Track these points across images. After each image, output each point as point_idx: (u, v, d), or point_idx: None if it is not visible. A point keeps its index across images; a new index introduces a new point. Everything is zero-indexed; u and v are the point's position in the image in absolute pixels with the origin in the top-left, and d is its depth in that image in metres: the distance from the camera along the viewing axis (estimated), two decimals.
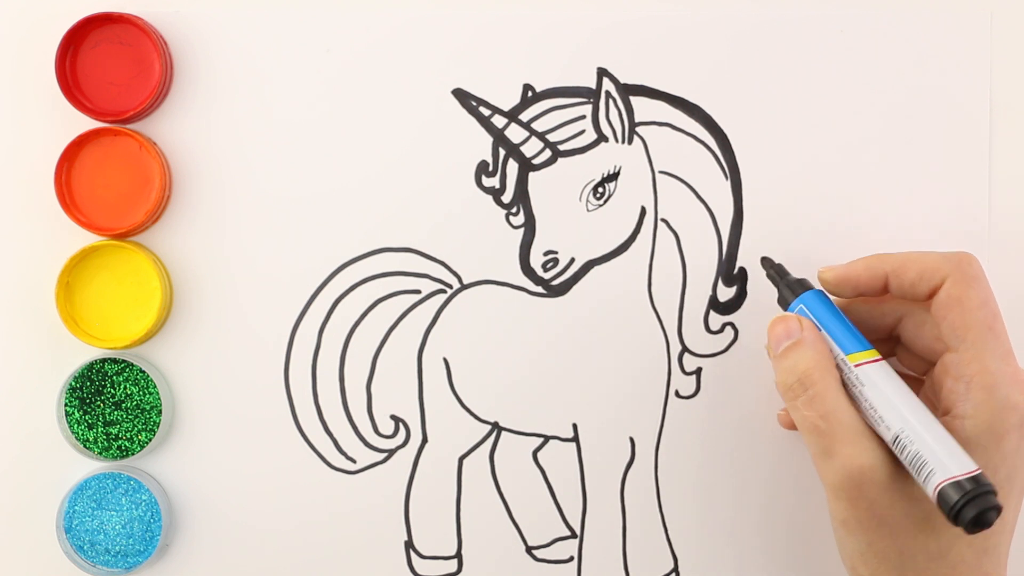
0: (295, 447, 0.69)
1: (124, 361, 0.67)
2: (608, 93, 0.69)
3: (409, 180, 0.69)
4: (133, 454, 0.68)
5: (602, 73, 0.69)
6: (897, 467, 0.58)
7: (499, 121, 0.69)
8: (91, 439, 0.68)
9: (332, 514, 0.69)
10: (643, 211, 0.69)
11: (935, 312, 0.60)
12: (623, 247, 0.69)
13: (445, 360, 0.69)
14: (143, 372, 0.67)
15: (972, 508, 0.54)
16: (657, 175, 0.69)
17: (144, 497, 0.67)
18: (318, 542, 0.69)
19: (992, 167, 0.69)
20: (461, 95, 0.69)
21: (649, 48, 0.69)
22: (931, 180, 0.69)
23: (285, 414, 0.69)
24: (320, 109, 0.69)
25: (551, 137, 0.69)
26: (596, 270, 0.69)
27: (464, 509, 0.69)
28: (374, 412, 0.69)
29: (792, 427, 0.66)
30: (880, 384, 0.59)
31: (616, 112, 0.69)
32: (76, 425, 0.68)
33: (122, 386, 0.68)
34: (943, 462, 0.55)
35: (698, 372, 0.69)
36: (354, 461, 0.69)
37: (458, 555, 0.69)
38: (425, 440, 0.69)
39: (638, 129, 0.69)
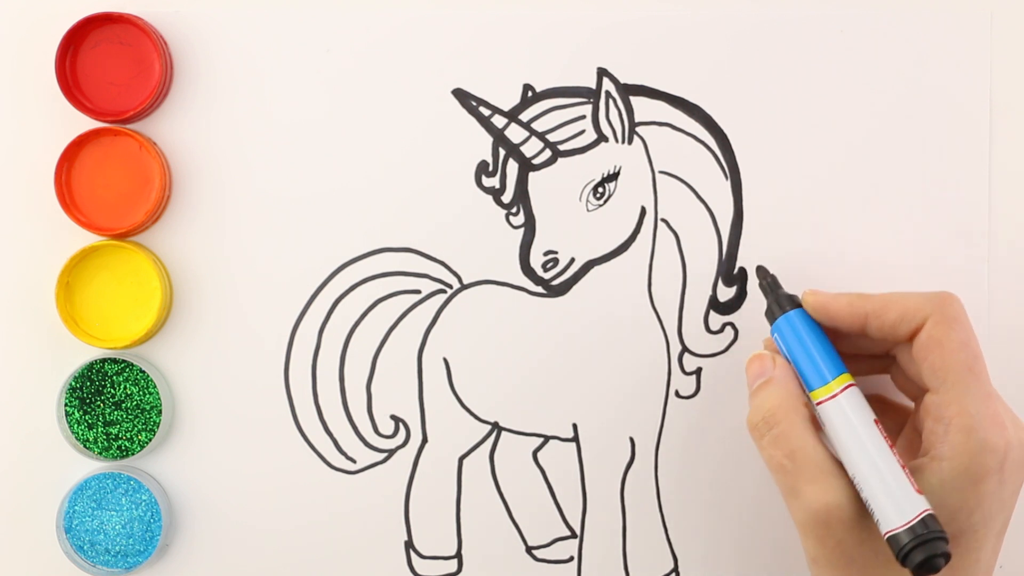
0: (295, 447, 0.69)
1: (124, 361, 0.67)
2: (608, 93, 0.69)
3: (409, 180, 0.69)
4: (133, 454, 0.68)
5: (602, 73, 0.69)
6: (865, 505, 0.57)
7: (499, 121, 0.69)
8: (91, 439, 0.68)
9: (332, 514, 0.69)
10: (643, 211, 0.69)
11: (916, 353, 0.59)
12: (623, 247, 0.69)
13: (445, 360, 0.69)
14: (143, 372, 0.67)
15: (920, 553, 0.54)
16: (657, 175, 0.69)
17: (144, 497, 0.67)
18: (318, 542, 0.69)
19: (992, 167, 0.69)
20: (461, 95, 0.69)
21: (649, 48, 0.69)
22: (931, 180, 0.69)
23: (285, 414, 0.69)
24: (320, 109, 0.69)
25: (551, 137, 0.69)
26: (596, 270, 0.69)
27: (464, 509, 0.69)
28: (374, 412, 0.69)
29: None
30: (838, 422, 0.59)
31: (616, 112, 0.69)
32: (76, 425, 0.68)
33: (122, 386, 0.68)
34: (897, 504, 0.55)
35: (698, 372, 0.69)
36: (354, 461, 0.69)
37: (458, 555, 0.69)
38: (425, 440, 0.69)
39: (638, 129, 0.69)
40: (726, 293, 0.69)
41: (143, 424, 0.68)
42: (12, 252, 0.69)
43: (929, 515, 0.55)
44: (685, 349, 0.69)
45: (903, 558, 0.54)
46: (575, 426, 0.69)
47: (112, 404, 0.68)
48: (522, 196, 0.69)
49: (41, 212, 0.68)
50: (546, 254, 0.69)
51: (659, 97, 0.69)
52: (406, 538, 0.69)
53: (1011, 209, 0.69)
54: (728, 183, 0.69)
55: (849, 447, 0.58)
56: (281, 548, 0.69)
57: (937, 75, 0.69)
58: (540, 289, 0.69)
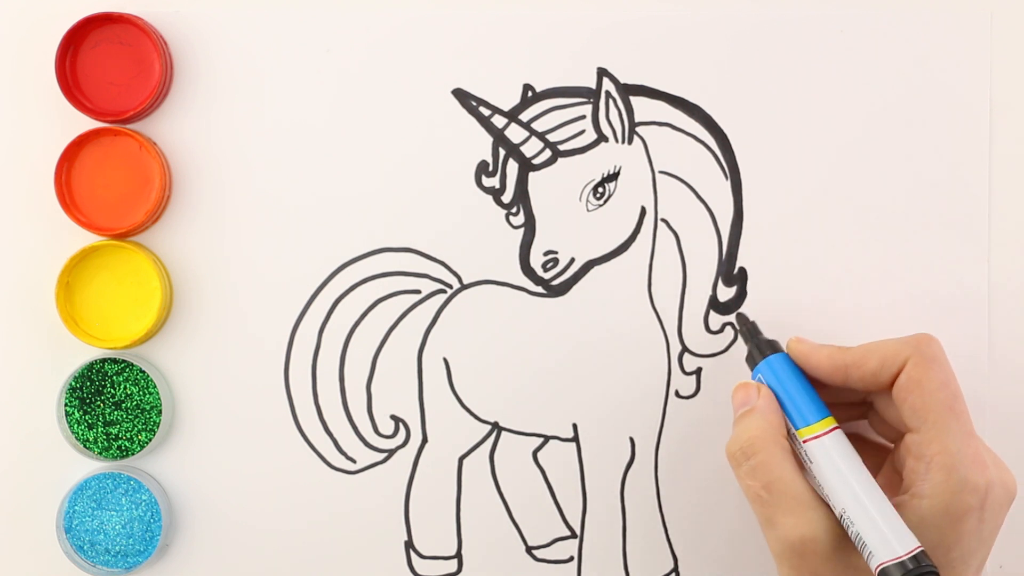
0: (295, 447, 0.69)
1: (124, 361, 0.67)
2: (608, 93, 0.69)
3: (409, 180, 0.69)
4: (133, 454, 0.68)
5: (602, 73, 0.69)
6: (843, 538, 0.58)
7: (499, 121, 0.69)
8: (91, 439, 0.68)
9: (332, 514, 0.69)
10: (643, 211, 0.69)
11: (896, 395, 0.60)
12: (623, 247, 0.69)
13: (445, 360, 0.69)
14: (143, 372, 0.67)
15: None
16: (657, 175, 0.69)
17: (144, 497, 0.67)
18: (318, 542, 0.69)
19: (992, 167, 0.69)
20: (461, 95, 0.69)
21: (649, 48, 0.69)
22: (931, 180, 0.69)
23: (285, 414, 0.69)
24: (320, 109, 0.69)
25: (551, 137, 0.69)
26: (596, 270, 0.69)
27: (464, 509, 0.69)
28: (374, 412, 0.69)
29: None
30: (826, 461, 0.59)
31: (616, 112, 0.69)
32: (76, 425, 0.68)
33: (122, 386, 0.68)
34: (886, 540, 0.56)
35: (698, 372, 0.69)
36: (354, 461, 0.69)
37: (458, 555, 0.69)
38: (425, 440, 0.69)
39: (638, 129, 0.69)
40: (726, 293, 0.69)
41: (143, 424, 0.68)
42: (12, 252, 0.69)
43: (921, 551, 0.56)
44: (685, 349, 0.69)
45: None
46: (575, 426, 0.69)
47: (112, 404, 0.68)
48: (522, 196, 0.69)
49: (41, 212, 0.68)
50: (546, 254, 0.69)
51: (659, 97, 0.69)
52: (406, 538, 0.69)
53: (1011, 209, 0.69)
54: (728, 183, 0.69)
55: (839, 483, 0.58)
56: (281, 548, 0.69)
57: (937, 75, 0.69)
58: (540, 289, 0.69)
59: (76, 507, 0.67)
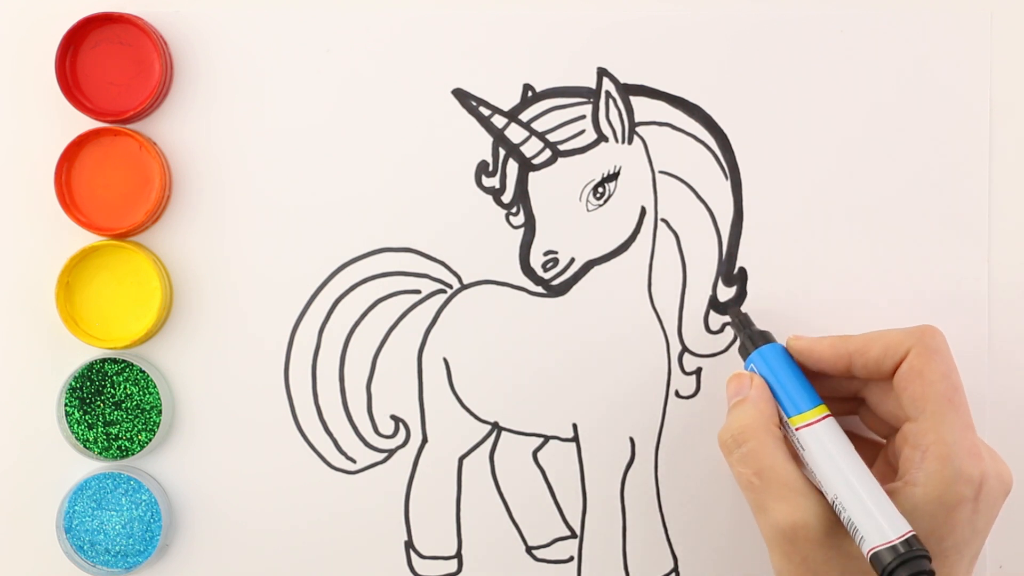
0: (295, 447, 0.69)
1: (124, 361, 0.67)
2: (608, 93, 0.69)
3: (409, 180, 0.69)
4: (133, 454, 0.68)
5: (602, 73, 0.69)
6: (835, 524, 0.58)
7: (499, 121, 0.69)
8: (91, 439, 0.68)
9: (332, 514, 0.69)
10: (643, 211, 0.69)
11: (897, 384, 0.60)
12: (623, 247, 0.69)
13: (445, 360, 0.69)
14: (143, 372, 0.67)
15: (904, 571, 0.55)
16: (657, 175, 0.69)
17: (144, 497, 0.67)
18: (318, 542, 0.69)
19: (992, 167, 0.69)
20: (461, 95, 0.69)
21: (649, 48, 0.69)
22: (931, 180, 0.69)
23: (285, 414, 0.69)
24: (320, 109, 0.69)
25: (551, 137, 0.69)
26: (596, 270, 0.69)
27: (464, 509, 0.69)
28: (374, 412, 0.69)
29: None
30: (818, 448, 0.60)
31: (616, 112, 0.69)
32: (76, 425, 0.68)
33: (122, 386, 0.68)
34: (878, 525, 0.56)
35: (698, 372, 0.69)
36: (354, 461, 0.69)
37: (458, 555, 0.69)
38: (425, 440, 0.69)
39: (638, 129, 0.69)
40: (726, 293, 0.69)
41: (143, 424, 0.68)
42: (12, 252, 0.69)
43: (912, 535, 0.56)
44: (685, 349, 0.69)
45: None
46: (575, 426, 0.69)
47: (112, 404, 0.68)
48: (522, 196, 0.69)
49: (41, 212, 0.68)
50: (546, 254, 0.69)
51: (659, 97, 0.69)
52: (406, 538, 0.69)
53: (1011, 209, 0.69)
54: (728, 183, 0.69)
55: (832, 469, 0.59)
56: (281, 548, 0.69)
57: (937, 75, 0.69)
58: (540, 289, 0.69)
59: (76, 507, 0.67)
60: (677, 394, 0.69)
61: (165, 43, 0.68)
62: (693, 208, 0.69)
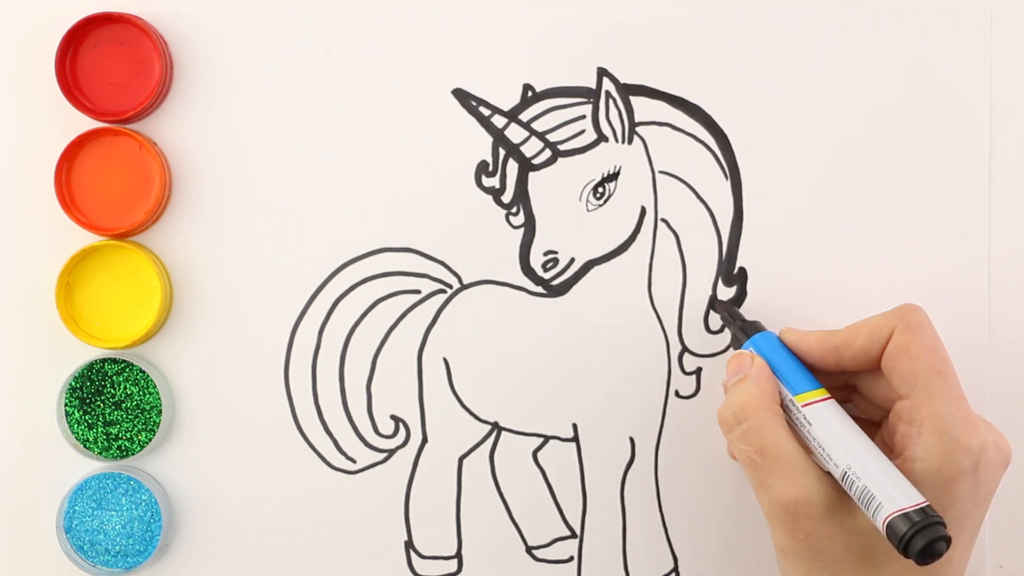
0: (295, 447, 0.69)
1: (124, 361, 0.67)
2: (608, 93, 0.69)
3: (409, 180, 0.69)
4: (133, 454, 0.68)
5: (602, 73, 0.69)
6: (838, 501, 0.58)
7: (499, 121, 0.69)
8: (91, 439, 0.68)
9: (332, 514, 0.69)
10: (643, 211, 0.69)
11: (885, 364, 0.61)
12: (623, 247, 0.69)
13: (445, 360, 0.69)
14: (143, 372, 0.67)
15: (921, 538, 0.55)
16: (657, 175, 0.69)
17: (144, 497, 0.67)
18: (318, 542, 0.69)
19: (992, 167, 0.69)
20: (461, 95, 0.69)
21: (649, 48, 0.69)
22: (931, 180, 0.69)
23: (285, 414, 0.69)
24: (320, 109, 0.69)
25: (551, 137, 0.69)
26: (596, 270, 0.69)
27: (464, 509, 0.69)
28: (374, 412, 0.69)
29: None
30: (826, 423, 0.60)
31: (616, 112, 0.69)
32: (76, 425, 0.68)
33: (122, 386, 0.68)
34: (891, 495, 0.56)
35: (698, 372, 0.69)
36: (354, 461, 0.69)
37: (458, 555, 0.69)
38: (425, 440, 0.69)
39: (638, 129, 0.69)
40: (726, 293, 0.69)
41: (143, 424, 0.68)
42: (12, 252, 0.69)
43: (927, 504, 0.56)
44: (685, 349, 0.69)
45: (904, 546, 0.55)
46: (575, 426, 0.69)
47: (112, 404, 0.68)
48: (522, 196, 0.69)
49: (41, 212, 0.68)
50: (546, 254, 0.69)
51: (659, 97, 0.69)
52: (406, 538, 0.69)
53: (1011, 209, 0.69)
54: (728, 183, 0.69)
55: (842, 442, 0.59)
56: (281, 548, 0.69)
57: (937, 75, 0.69)
58: (540, 289, 0.69)
59: (76, 507, 0.67)
60: (677, 394, 0.69)
61: (165, 43, 0.68)
62: (693, 208, 0.69)
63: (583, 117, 0.69)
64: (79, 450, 0.68)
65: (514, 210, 0.69)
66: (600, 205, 0.69)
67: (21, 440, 0.69)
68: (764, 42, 0.69)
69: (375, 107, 0.69)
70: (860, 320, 0.62)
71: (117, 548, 0.68)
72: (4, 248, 0.69)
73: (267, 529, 0.69)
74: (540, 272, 0.69)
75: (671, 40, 0.69)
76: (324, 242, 0.69)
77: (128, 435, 0.68)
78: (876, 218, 0.69)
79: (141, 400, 0.68)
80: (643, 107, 0.69)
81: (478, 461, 0.69)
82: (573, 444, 0.69)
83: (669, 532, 0.69)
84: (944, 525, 0.55)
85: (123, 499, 0.68)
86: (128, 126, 0.68)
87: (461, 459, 0.69)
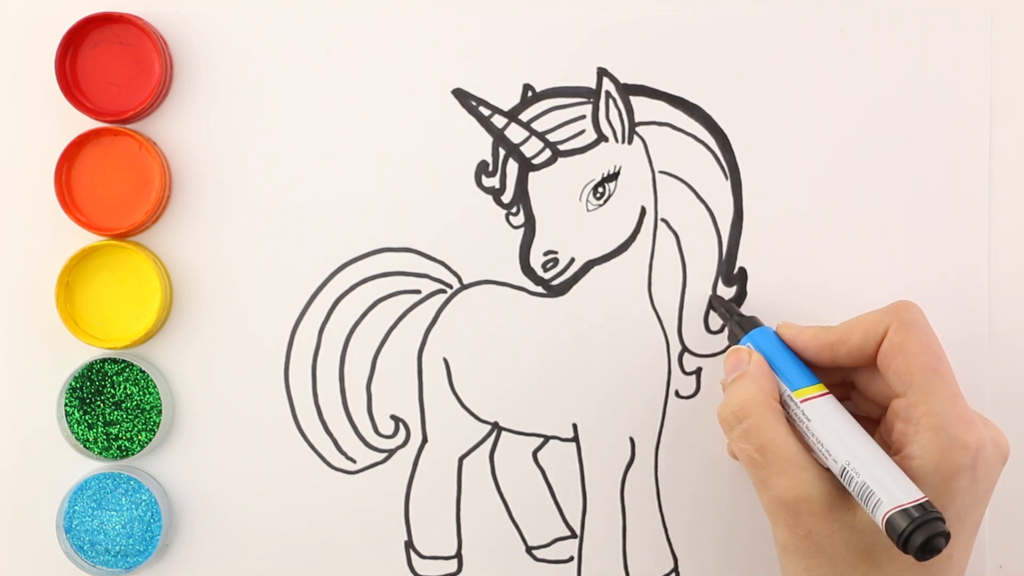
0: (295, 447, 0.69)
1: (124, 361, 0.67)
2: (608, 93, 0.69)
3: (409, 180, 0.69)
4: (133, 454, 0.68)
5: (602, 73, 0.69)
6: (838, 498, 0.58)
7: (499, 121, 0.69)
8: (91, 439, 0.68)
9: (332, 514, 0.69)
10: (643, 211, 0.69)
11: (880, 363, 0.61)
12: (623, 247, 0.69)
13: (445, 360, 0.69)
14: (143, 372, 0.67)
15: (920, 534, 0.55)
16: (657, 175, 0.69)
17: (144, 497, 0.67)
18: (318, 542, 0.69)
19: (992, 167, 0.69)
20: (461, 95, 0.69)
21: (649, 48, 0.69)
22: (931, 180, 0.69)
23: (285, 414, 0.69)
24: (320, 109, 0.69)
25: (551, 137, 0.69)
26: (596, 270, 0.69)
27: (464, 509, 0.69)
28: (374, 412, 0.69)
29: (737, 458, 0.67)
30: (825, 418, 0.60)
31: (616, 112, 0.69)
32: (76, 425, 0.68)
33: (122, 386, 0.68)
34: (890, 491, 0.56)
35: (698, 372, 0.69)
36: (354, 461, 0.69)
37: (458, 555, 0.69)
38: (425, 440, 0.69)
39: (638, 129, 0.69)
40: (726, 293, 0.69)
41: (143, 424, 0.68)
42: (12, 252, 0.69)
43: (926, 500, 0.56)
44: (685, 349, 0.69)
45: (903, 542, 0.55)
46: (575, 426, 0.69)
47: (112, 404, 0.68)
48: (522, 196, 0.69)
49: (41, 212, 0.68)
50: (546, 254, 0.69)
51: (659, 97, 0.69)
52: (406, 538, 0.69)
53: (1011, 209, 0.69)
54: (728, 183, 0.69)
55: (841, 438, 0.59)
56: (281, 548, 0.69)
57: (937, 75, 0.69)
58: (540, 289, 0.69)
59: (76, 507, 0.67)
60: (677, 394, 0.69)
61: (165, 43, 0.68)
62: (693, 208, 0.69)
63: (583, 117, 0.69)
64: (79, 450, 0.68)
65: (514, 210, 0.69)
66: (600, 205, 0.69)
67: (21, 440, 0.69)
68: (764, 42, 0.69)
69: (375, 107, 0.69)
70: (854, 317, 0.62)
71: (117, 548, 0.68)
72: (4, 248, 0.69)
73: (267, 529, 0.69)
74: (540, 272, 0.69)
75: (671, 40, 0.69)
76: (324, 242, 0.69)
77: (128, 435, 0.68)
78: (876, 218, 0.69)
79: (141, 400, 0.68)
80: (643, 107, 0.69)
81: (478, 461, 0.69)
82: (573, 444, 0.69)
83: (669, 532, 0.69)
84: (943, 521, 0.55)
85: (123, 499, 0.68)
86: (128, 126, 0.68)
87: (461, 459, 0.69)
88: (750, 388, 0.61)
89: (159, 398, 0.68)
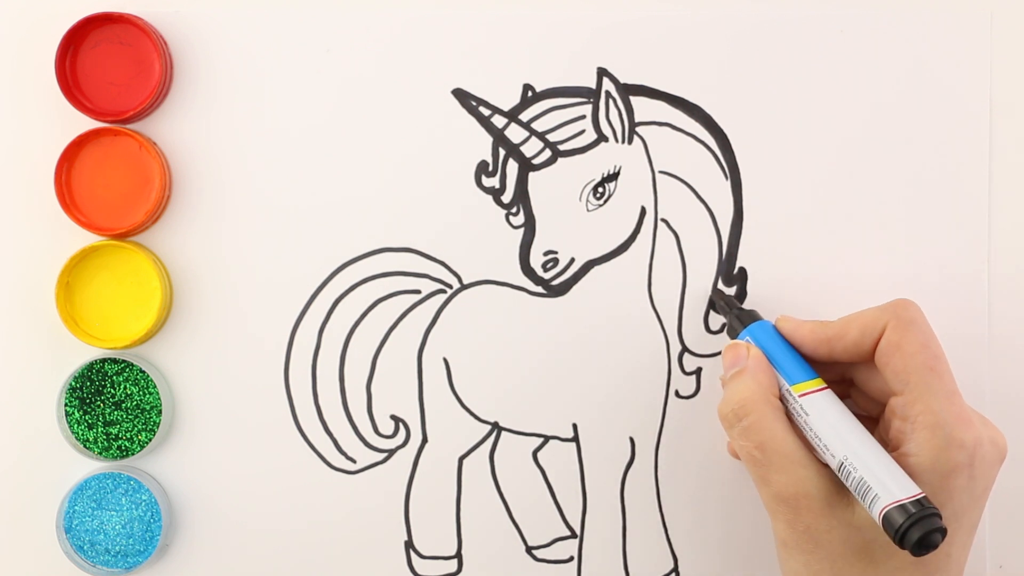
0: (295, 447, 0.69)
1: (124, 361, 0.67)
2: (608, 93, 0.69)
3: (409, 180, 0.69)
4: (133, 454, 0.68)
5: (602, 73, 0.69)
6: (837, 494, 0.59)
7: (499, 121, 0.69)
8: (91, 439, 0.68)
9: (332, 514, 0.69)
10: (643, 211, 0.69)
11: (878, 361, 0.61)
12: (623, 247, 0.69)
13: (445, 360, 0.69)
14: (143, 372, 0.67)
15: (917, 530, 0.55)
16: (657, 175, 0.69)
17: (144, 497, 0.67)
18: (318, 542, 0.69)
19: (992, 167, 0.69)
20: (461, 95, 0.69)
21: (649, 48, 0.69)
22: (931, 180, 0.69)
23: (285, 414, 0.69)
24: (320, 109, 0.69)
25: (551, 137, 0.69)
26: (596, 270, 0.69)
27: (464, 509, 0.69)
28: (374, 412, 0.69)
29: (737, 456, 0.67)
30: (823, 413, 0.60)
31: (616, 112, 0.69)
32: (76, 425, 0.68)
33: (122, 386, 0.68)
34: (888, 486, 0.56)
35: (698, 372, 0.69)
36: (354, 461, 0.69)
37: (458, 555, 0.69)
38: (425, 440, 0.69)
39: (638, 129, 0.69)
40: (726, 293, 0.69)
41: (143, 424, 0.68)
42: (12, 252, 0.69)
43: (923, 496, 0.56)
44: (685, 349, 0.69)
45: (900, 537, 0.55)
46: (575, 426, 0.69)
47: (112, 404, 0.68)
48: (522, 196, 0.69)
49: (41, 212, 0.68)
50: (546, 254, 0.69)
51: (659, 97, 0.69)
52: (406, 538, 0.69)
53: (1011, 209, 0.69)
54: (728, 183, 0.69)
55: (839, 433, 0.59)
56: (281, 548, 0.69)
57: (937, 75, 0.69)
58: (540, 289, 0.69)
59: (76, 507, 0.67)
60: (677, 394, 0.69)
61: (165, 43, 0.68)
62: (693, 208, 0.69)
63: (583, 117, 0.69)
64: (79, 450, 0.68)
65: (514, 210, 0.69)
66: (600, 205, 0.69)
67: (21, 440, 0.69)
68: (764, 42, 0.69)
69: (375, 107, 0.69)
70: (853, 313, 0.62)
71: (117, 548, 0.68)
72: (4, 248, 0.69)
73: (267, 529, 0.69)
74: (540, 272, 0.69)
75: (671, 40, 0.69)
76: (324, 242, 0.69)
77: (128, 435, 0.68)
78: (876, 218, 0.69)
79: (141, 400, 0.68)
80: (643, 107, 0.69)
81: (478, 461, 0.69)
82: (573, 444, 0.69)
83: (669, 532, 0.69)
84: (940, 517, 0.55)
85: (123, 499, 0.68)
86: (128, 126, 0.68)
87: (461, 459, 0.69)
88: (749, 385, 0.61)
89: (159, 398, 0.68)
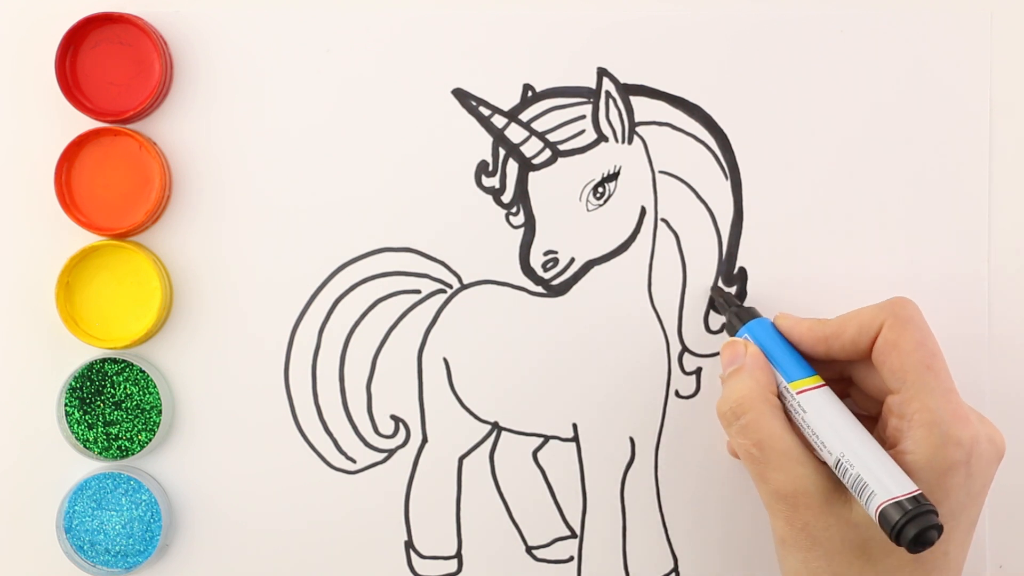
0: (295, 447, 0.69)
1: (124, 361, 0.67)
2: (608, 93, 0.69)
3: (409, 180, 0.69)
4: (133, 454, 0.68)
5: (602, 73, 0.69)
6: (834, 492, 0.59)
7: (499, 121, 0.69)
8: (91, 439, 0.68)
9: (332, 514, 0.69)
10: (643, 211, 0.69)
11: (875, 359, 0.61)
12: (623, 247, 0.69)
13: (445, 360, 0.69)
14: (143, 372, 0.67)
15: (913, 527, 0.55)
16: (657, 175, 0.69)
17: (144, 497, 0.67)
18: (318, 542, 0.69)
19: (992, 167, 0.69)
20: (461, 95, 0.69)
21: (649, 48, 0.69)
22: (931, 180, 0.69)
23: (285, 414, 0.69)
24: (320, 109, 0.69)
25: (551, 137, 0.69)
26: (596, 270, 0.69)
27: (464, 509, 0.69)
28: (374, 412, 0.69)
29: (737, 455, 0.67)
30: (821, 410, 0.60)
31: (616, 112, 0.69)
32: (76, 425, 0.68)
33: (122, 386, 0.68)
34: (884, 483, 0.56)
35: (698, 372, 0.69)
36: (354, 461, 0.69)
37: (458, 555, 0.69)
38: (425, 440, 0.69)
39: (638, 129, 0.69)
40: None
41: (143, 424, 0.68)
42: (12, 252, 0.69)
43: (920, 493, 0.56)
44: (685, 349, 0.69)
45: (896, 534, 0.55)
46: (575, 426, 0.69)
47: (112, 404, 0.68)
48: (522, 196, 0.69)
49: (41, 212, 0.68)
50: (546, 254, 0.69)
51: (659, 97, 0.69)
52: (406, 538, 0.69)
53: (1011, 209, 0.69)
54: (728, 183, 0.69)
55: (836, 430, 0.59)
56: (281, 548, 0.69)
57: (937, 75, 0.69)
58: (540, 289, 0.69)
59: (76, 507, 0.67)
60: (677, 394, 0.69)
61: (165, 43, 0.68)
62: (693, 208, 0.69)
63: (583, 117, 0.69)
64: (79, 450, 0.68)
65: (514, 210, 0.69)
66: (600, 205, 0.69)
67: (21, 440, 0.69)
68: (764, 42, 0.69)
69: (375, 107, 0.69)
70: (851, 311, 0.62)
71: (117, 548, 0.68)
72: (4, 248, 0.69)
73: (267, 529, 0.69)
74: (540, 272, 0.69)
75: (671, 40, 0.69)
76: (324, 242, 0.69)
77: (128, 435, 0.68)
78: (876, 218, 0.69)
79: (141, 400, 0.68)
80: (643, 107, 0.69)
81: (478, 461, 0.69)
82: (573, 444, 0.69)
83: (669, 532, 0.69)
84: (936, 514, 0.55)
85: (123, 499, 0.68)
86: (128, 126, 0.68)
87: (461, 459, 0.69)
88: (747, 383, 0.61)
89: (159, 398, 0.68)
